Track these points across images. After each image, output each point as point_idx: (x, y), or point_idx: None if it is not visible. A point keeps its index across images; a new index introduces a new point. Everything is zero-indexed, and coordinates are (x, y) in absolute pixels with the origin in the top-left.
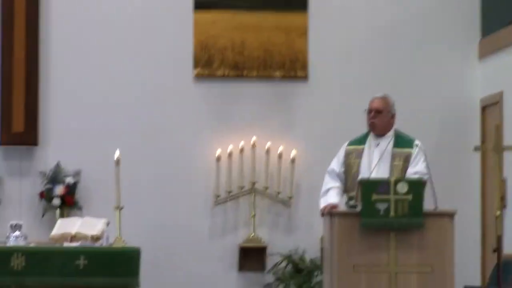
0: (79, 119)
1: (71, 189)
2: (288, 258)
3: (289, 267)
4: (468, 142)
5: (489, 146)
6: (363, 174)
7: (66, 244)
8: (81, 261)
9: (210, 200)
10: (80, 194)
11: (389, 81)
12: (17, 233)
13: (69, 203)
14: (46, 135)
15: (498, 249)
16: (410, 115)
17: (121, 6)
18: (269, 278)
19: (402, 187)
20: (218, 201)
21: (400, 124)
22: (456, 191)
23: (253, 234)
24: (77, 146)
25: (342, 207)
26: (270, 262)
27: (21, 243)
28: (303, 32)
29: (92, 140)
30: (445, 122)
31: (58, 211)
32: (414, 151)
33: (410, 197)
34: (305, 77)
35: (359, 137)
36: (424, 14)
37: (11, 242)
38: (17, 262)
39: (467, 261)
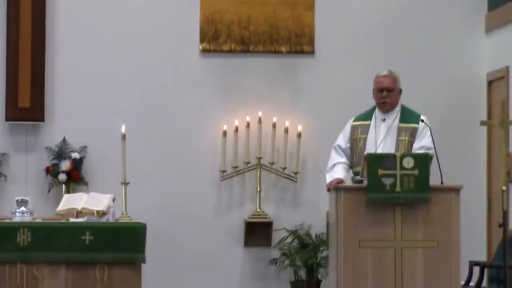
0: (85, 95)
1: (77, 165)
2: (294, 233)
3: (295, 242)
4: (474, 117)
5: (495, 121)
6: (369, 149)
7: (72, 220)
8: (87, 237)
9: (216, 175)
10: (86, 170)
11: (395, 56)
12: (23, 208)
13: (75, 179)
14: (52, 110)
15: (504, 224)
16: (416, 90)
17: None
18: (275, 253)
19: (408, 162)
20: (224, 176)
21: (406, 99)
22: (462, 166)
23: (259, 209)
24: (83, 121)
25: (348, 182)
26: (276, 237)
27: (27, 218)
28: (310, 7)
29: (98, 116)
30: (451, 97)
31: (64, 187)
32: (420, 126)
33: (416, 172)
34: (311, 52)
35: (365, 113)
36: None
37: (17, 218)
38: (23, 238)
39: (473, 236)
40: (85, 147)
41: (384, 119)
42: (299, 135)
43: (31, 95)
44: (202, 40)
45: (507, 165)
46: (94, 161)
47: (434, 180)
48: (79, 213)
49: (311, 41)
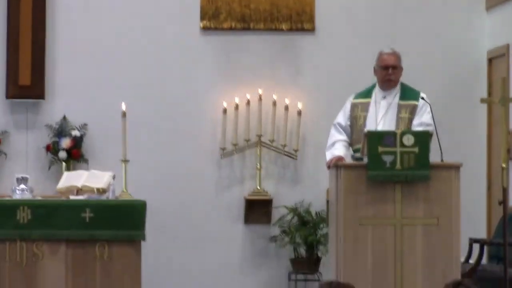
0: (86, 73)
1: (77, 142)
2: (294, 210)
3: (295, 219)
4: (475, 94)
5: (496, 99)
6: (369, 126)
7: (72, 197)
8: (87, 214)
9: (216, 152)
10: (86, 147)
11: (396, 33)
12: (23, 186)
13: (75, 156)
14: (53, 88)
15: (504, 202)
16: (416, 68)
17: None
18: (275, 230)
19: (408, 140)
20: (224, 153)
21: (407, 76)
22: (462, 144)
23: (259, 187)
24: (83, 99)
25: (348, 160)
26: (276, 214)
27: (27, 196)
28: None
29: (98, 94)
30: (452, 74)
31: (64, 164)
32: (420, 103)
33: (416, 149)
34: (312, 30)
35: (365, 90)
36: None
37: (17, 195)
38: (23, 215)
39: (473, 214)
40: (85, 124)
41: (384, 97)
42: (299, 112)
43: (31, 72)
44: (202, 17)
45: (507, 143)
46: (94, 139)
47: (434, 157)
48: (79, 191)
49: (311, 19)
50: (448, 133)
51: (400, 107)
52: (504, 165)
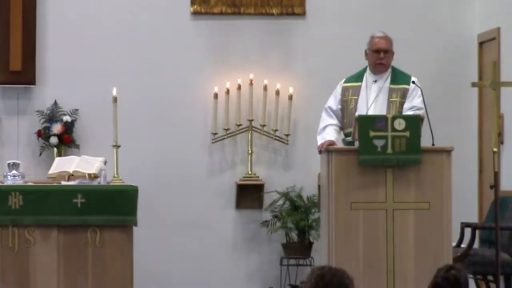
0: (77, 58)
1: (68, 128)
2: (286, 195)
3: (287, 204)
4: (466, 78)
5: (486, 82)
6: (360, 110)
7: (64, 183)
8: (79, 200)
9: (207, 137)
10: (77, 133)
11: (387, 17)
12: (14, 172)
13: (67, 142)
14: (44, 74)
15: (495, 186)
16: (407, 52)
17: None
18: (267, 215)
19: (400, 124)
20: (216, 138)
21: (398, 60)
22: (453, 128)
23: (250, 172)
24: (74, 84)
25: (340, 144)
26: (267, 199)
27: (18, 182)
28: None
29: (89, 79)
30: (442, 58)
31: (55, 150)
32: (411, 87)
33: (407, 133)
34: (302, 14)
35: (356, 74)
36: None
37: (9, 181)
38: (15, 201)
39: (464, 198)
40: (76, 110)
41: (375, 81)
42: (290, 97)
43: (22, 58)
44: (193, 2)
45: (498, 126)
46: (85, 124)
47: (425, 141)
48: (70, 176)
49: (302, 3)
50: (439, 117)
51: (391, 91)
52: (495, 149)
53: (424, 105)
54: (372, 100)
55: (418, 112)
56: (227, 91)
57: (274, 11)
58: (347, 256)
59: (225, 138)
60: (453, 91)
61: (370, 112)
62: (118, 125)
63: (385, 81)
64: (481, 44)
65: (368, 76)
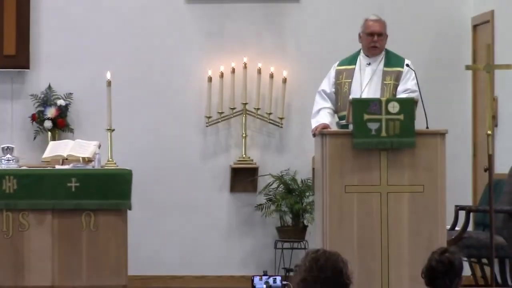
0: (70, 42)
1: (62, 112)
2: (280, 178)
3: (281, 187)
4: (460, 61)
5: (480, 65)
6: (354, 94)
7: (58, 167)
8: (73, 184)
9: (201, 121)
10: (71, 117)
11: (381, 0)
12: (8, 156)
13: (61, 126)
14: (38, 58)
15: (489, 169)
16: (400, 35)
17: None
18: (261, 198)
19: (394, 107)
20: (210, 122)
21: (392, 42)
22: (447, 110)
23: (244, 155)
24: (68, 68)
25: (334, 127)
26: (261, 182)
27: (12, 166)
28: None
29: (83, 63)
30: (436, 41)
31: (49, 134)
32: (405, 69)
33: (401, 116)
34: None
35: (349, 57)
36: None
37: (3, 165)
38: (9, 185)
39: (458, 181)
40: (70, 93)
41: (369, 64)
42: (284, 80)
43: (16, 42)
44: None
45: (492, 109)
46: (79, 108)
47: (419, 124)
48: (65, 160)
49: None
50: (433, 100)
51: (385, 74)
52: (489, 132)
53: (418, 87)
54: (366, 83)
55: (412, 95)
56: (221, 75)
57: None
58: (341, 239)
59: (219, 122)
60: (447, 74)
61: (364, 95)
62: (112, 109)
63: (379, 64)
64: (475, 27)
65: (361, 59)
